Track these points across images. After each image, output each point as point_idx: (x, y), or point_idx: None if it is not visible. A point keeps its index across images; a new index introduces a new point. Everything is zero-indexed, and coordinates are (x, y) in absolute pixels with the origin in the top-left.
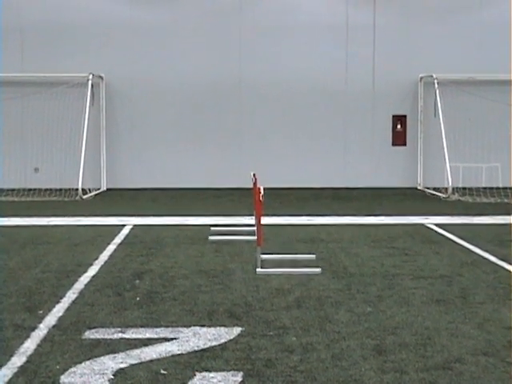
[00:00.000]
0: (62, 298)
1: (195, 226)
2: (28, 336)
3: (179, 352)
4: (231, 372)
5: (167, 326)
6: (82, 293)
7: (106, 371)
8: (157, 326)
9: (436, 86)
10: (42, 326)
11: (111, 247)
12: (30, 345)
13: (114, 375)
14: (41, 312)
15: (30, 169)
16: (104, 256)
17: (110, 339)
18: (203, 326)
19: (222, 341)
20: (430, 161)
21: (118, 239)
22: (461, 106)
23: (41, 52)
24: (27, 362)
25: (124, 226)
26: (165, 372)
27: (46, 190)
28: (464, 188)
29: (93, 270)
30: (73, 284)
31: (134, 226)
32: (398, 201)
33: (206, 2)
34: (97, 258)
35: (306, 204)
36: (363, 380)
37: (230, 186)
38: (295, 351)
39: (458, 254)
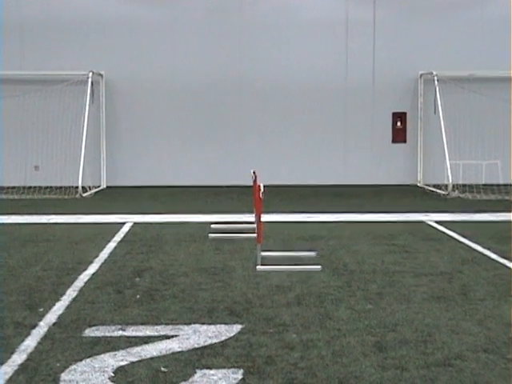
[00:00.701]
0: (62, 296)
1: (195, 224)
2: (28, 334)
3: (179, 349)
4: (232, 369)
5: (167, 324)
6: (82, 290)
7: (106, 369)
8: (157, 324)
9: (436, 83)
10: (42, 323)
11: (111, 245)
12: (30, 342)
13: (114, 373)
14: (41, 310)
15: (30, 167)
16: (104, 254)
17: (111, 337)
18: (203, 323)
19: (223, 338)
20: (430, 158)
21: (118, 237)
22: (461, 103)
23: (40, 50)
24: (28, 359)
25: (124, 223)
26: (165, 369)
27: (46, 187)
28: (464, 185)
29: (93, 268)
30: (73, 282)
31: (134, 223)
32: (398, 198)
33: None
34: (97, 256)
35: (306, 201)
36: (363, 377)
37: (230, 184)
38: (295, 348)
39: (458, 251)
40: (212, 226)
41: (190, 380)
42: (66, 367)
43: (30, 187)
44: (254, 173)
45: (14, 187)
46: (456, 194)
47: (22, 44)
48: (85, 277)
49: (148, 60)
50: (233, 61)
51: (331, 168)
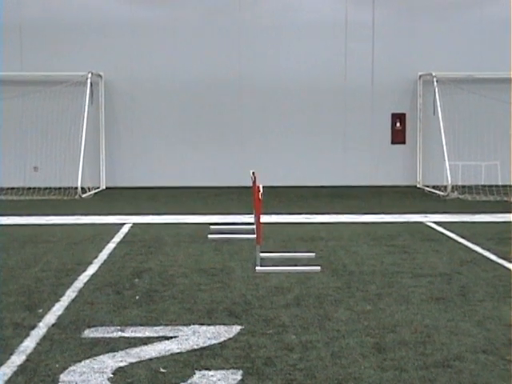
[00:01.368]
0: (61, 297)
1: (195, 225)
2: (27, 335)
3: (179, 350)
4: (231, 370)
5: (167, 325)
6: (81, 291)
7: (105, 370)
8: (156, 325)
9: (435, 84)
10: (41, 324)
11: (111, 246)
12: (29, 343)
13: (113, 374)
14: (40, 311)
15: (29, 167)
16: (103, 255)
17: (110, 338)
18: (203, 324)
19: (222, 339)
20: (429, 159)
21: (117, 238)
22: (460, 105)
23: (40, 51)
24: (27, 360)
25: (123, 224)
26: (164, 370)
27: (46, 188)
28: (463, 186)
29: (92, 269)
30: (72, 283)
31: (134, 224)
32: (398, 199)
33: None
34: (96, 257)
35: (306, 202)
36: (363, 378)
37: (229, 185)
38: (295, 349)
39: (457, 252)
40: (211, 226)
41: (189, 381)
42: (65, 368)
43: (29, 188)
44: (253, 174)
45: (13, 188)
46: (455, 194)
47: (22, 45)
48: (84, 278)
49: (147, 61)
50: (232, 62)
51: (330, 169)
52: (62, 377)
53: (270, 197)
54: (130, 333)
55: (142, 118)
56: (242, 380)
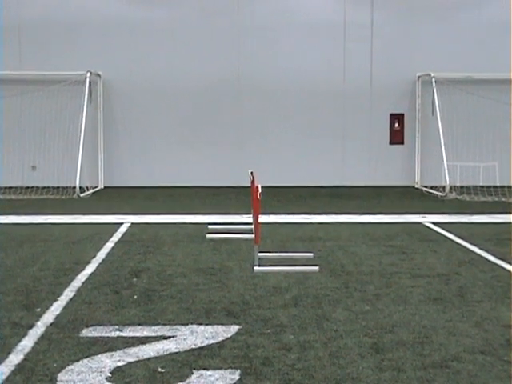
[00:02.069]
0: (59, 296)
1: (193, 224)
2: (25, 334)
3: (177, 350)
4: (229, 370)
5: (165, 324)
6: (79, 291)
7: (103, 369)
8: (154, 324)
9: (434, 84)
10: (39, 323)
11: (109, 245)
12: (27, 343)
13: (111, 373)
14: (38, 310)
15: (27, 167)
16: (102, 254)
17: (108, 337)
18: (201, 324)
19: (220, 339)
20: (427, 159)
21: (115, 237)
22: (459, 105)
23: (39, 50)
24: (25, 359)
25: (122, 224)
26: (162, 370)
27: (44, 187)
28: (461, 186)
29: (90, 268)
30: (70, 282)
31: (132, 224)
32: (396, 199)
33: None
34: (94, 256)
35: (304, 202)
36: (360, 378)
37: (227, 185)
38: (293, 349)
39: (455, 253)
40: (209, 226)
41: (187, 381)
42: (63, 367)
43: (27, 187)
44: (251, 174)
45: (11, 187)
46: (453, 195)
47: (20, 44)
48: (82, 277)
49: (146, 60)
50: (231, 62)
51: (329, 169)
52: (60, 376)
53: (269, 197)
54: (128, 332)
55: (141, 117)
56: (239, 380)
